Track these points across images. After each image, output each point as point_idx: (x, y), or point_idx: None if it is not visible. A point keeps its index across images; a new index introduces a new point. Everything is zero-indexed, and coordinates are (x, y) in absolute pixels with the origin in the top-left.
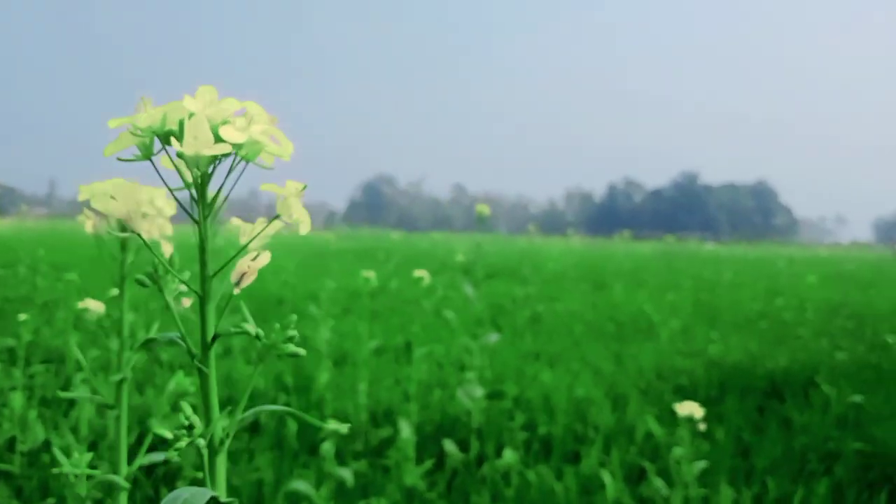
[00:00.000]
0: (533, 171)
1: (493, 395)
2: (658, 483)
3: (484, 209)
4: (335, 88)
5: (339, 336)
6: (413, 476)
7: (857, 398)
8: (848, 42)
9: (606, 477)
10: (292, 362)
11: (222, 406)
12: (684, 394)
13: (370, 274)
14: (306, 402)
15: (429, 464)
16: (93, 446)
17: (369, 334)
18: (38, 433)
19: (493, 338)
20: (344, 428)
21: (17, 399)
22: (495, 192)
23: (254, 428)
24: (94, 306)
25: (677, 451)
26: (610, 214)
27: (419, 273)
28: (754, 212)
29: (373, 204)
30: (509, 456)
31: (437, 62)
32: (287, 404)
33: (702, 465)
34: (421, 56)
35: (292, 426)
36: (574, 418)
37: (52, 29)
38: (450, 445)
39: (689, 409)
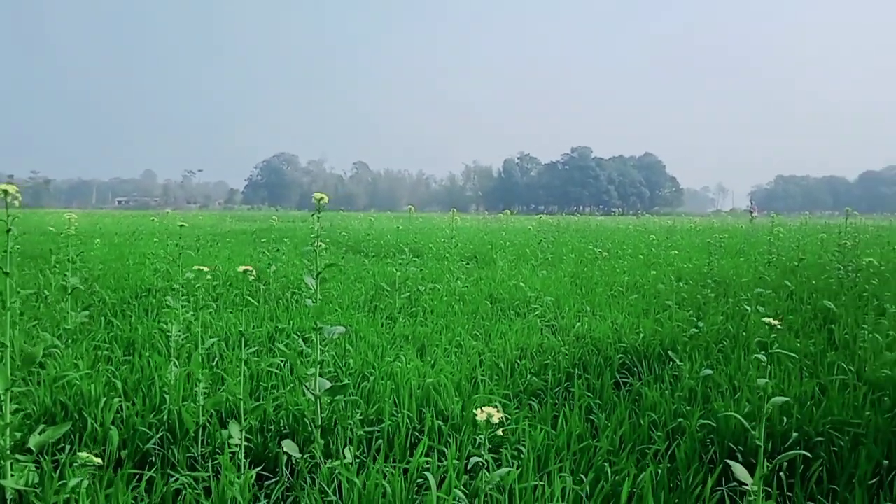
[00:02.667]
0: (435, 148)
1: (336, 390)
2: (488, 477)
3: (322, 197)
4: (241, 68)
5: (202, 329)
6: (235, 489)
7: (708, 371)
8: (727, 27)
9: (430, 478)
10: (135, 366)
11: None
12: (544, 372)
13: (204, 268)
14: (144, 406)
15: (251, 474)
16: None
17: (232, 326)
18: None
19: (336, 331)
20: (95, 460)
21: None
22: (397, 169)
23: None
24: None
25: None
26: (507, 189)
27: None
28: (642, 184)
29: (273, 183)
30: (349, 455)
31: (338, 42)
32: (120, 410)
33: (504, 471)
34: (323, 35)
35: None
36: (424, 407)
37: None
38: (290, 446)
39: (487, 413)
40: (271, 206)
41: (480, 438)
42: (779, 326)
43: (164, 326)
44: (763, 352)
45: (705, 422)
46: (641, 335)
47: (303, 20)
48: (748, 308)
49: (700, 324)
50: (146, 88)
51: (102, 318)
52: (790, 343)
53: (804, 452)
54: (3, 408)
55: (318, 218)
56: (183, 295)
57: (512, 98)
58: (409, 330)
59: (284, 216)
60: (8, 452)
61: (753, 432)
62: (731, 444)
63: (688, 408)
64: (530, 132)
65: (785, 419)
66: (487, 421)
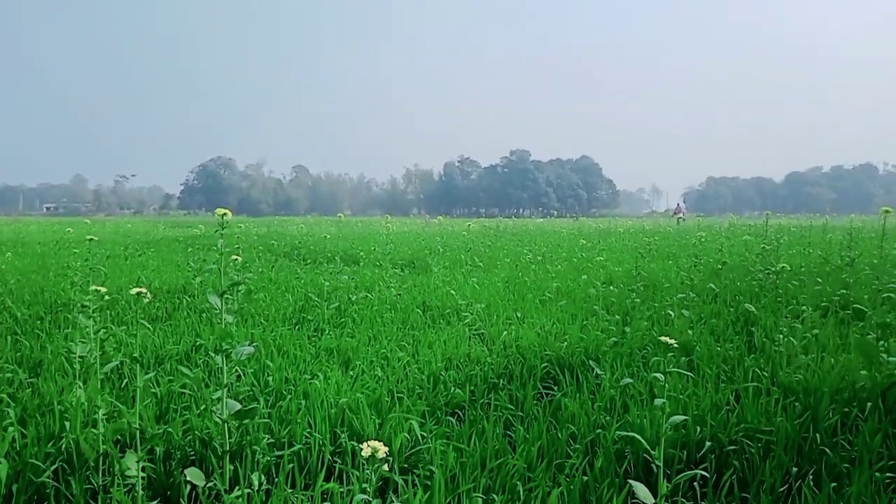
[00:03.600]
0: (374, 152)
1: (244, 414)
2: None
3: (225, 213)
4: (176, 69)
5: (114, 347)
6: None
7: (628, 380)
8: (654, 35)
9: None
10: (34, 388)
11: None
12: (469, 384)
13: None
14: (39, 433)
15: None
16: None
17: (149, 343)
18: None
19: (245, 351)
20: None
21: None
22: (338, 172)
23: None
24: None
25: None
26: (448, 192)
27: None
28: (580, 186)
29: (210, 187)
30: (255, 482)
31: (277, 45)
32: (15, 438)
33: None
34: (263, 38)
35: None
36: (339, 428)
37: None
38: (195, 474)
39: (371, 448)
40: (208, 211)
41: (371, 472)
42: (675, 345)
43: (71, 345)
44: (660, 371)
45: (623, 433)
46: (566, 343)
47: (243, 21)
48: (671, 313)
49: (627, 329)
50: (75, 91)
51: (9, 337)
52: (711, 347)
53: (701, 472)
54: None
55: (222, 235)
56: (95, 311)
57: (451, 101)
58: (335, 342)
59: (219, 222)
60: None
61: (653, 452)
62: (646, 456)
63: (607, 418)
64: (470, 136)
65: (699, 428)
66: (373, 456)
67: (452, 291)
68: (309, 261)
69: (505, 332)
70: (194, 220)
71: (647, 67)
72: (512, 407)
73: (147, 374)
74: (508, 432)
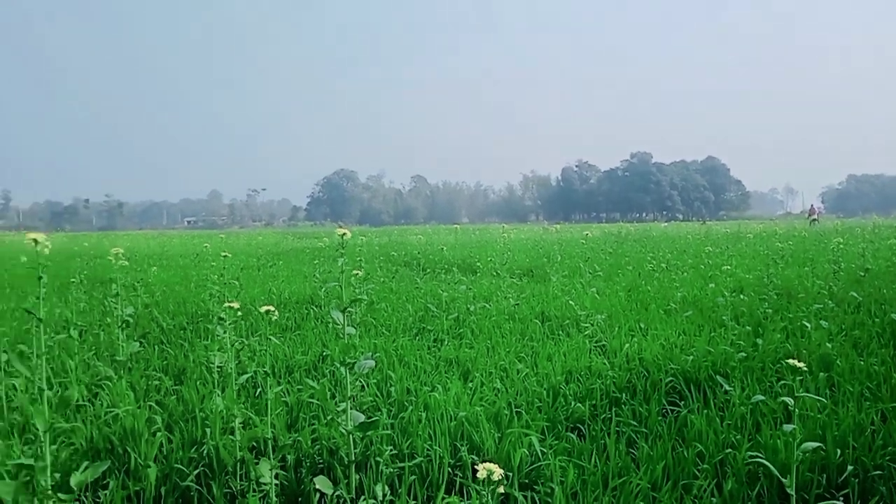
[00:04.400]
0: (490, 160)
1: (367, 426)
2: None
3: (344, 233)
4: (299, 89)
5: (248, 357)
6: None
7: (760, 397)
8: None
9: None
10: (179, 395)
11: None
12: (590, 398)
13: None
14: (183, 439)
15: None
16: None
17: (280, 353)
18: None
19: (367, 364)
20: None
21: None
22: (455, 181)
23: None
24: None
25: None
26: (566, 198)
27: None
28: (706, 188)
29: (334, 199)
30: (379, 493)
31: (393, 56)
32: (163, 444)
33: None
34: (379, 52)
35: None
36: (459, 441)
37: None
38: (323, 483)
39: (486, 470)
40: (333, 221)
41: (487, 494)
42: (803, 368)
43: (211, 355)
44: (791, 395)
45: (753, 458)
46: (692, 356)
47: (355, 41)
48: (808, 324)
49: (759, 341)
50: (213, 113)
51: (157, 346)
52: (853, 362)
53: (841, 500)
54: (44, 448)
55: (342, 255)
56: (231, 323)
57: (568, 106)
58: (454, 353)
59: (338, 242)
60: (49, 492)
61: (785, 480)
62: (781, 479)
63: (737, 437)
64: (588, 140)
65: (840, 450)
66: (488, 478)
67: (572, 302)
68: (427, 270)
69: (627, 345)
70: (319, 230)
71: (774, 59)
72: (635, 423)
73: (278, 383)
74: (631, 450)
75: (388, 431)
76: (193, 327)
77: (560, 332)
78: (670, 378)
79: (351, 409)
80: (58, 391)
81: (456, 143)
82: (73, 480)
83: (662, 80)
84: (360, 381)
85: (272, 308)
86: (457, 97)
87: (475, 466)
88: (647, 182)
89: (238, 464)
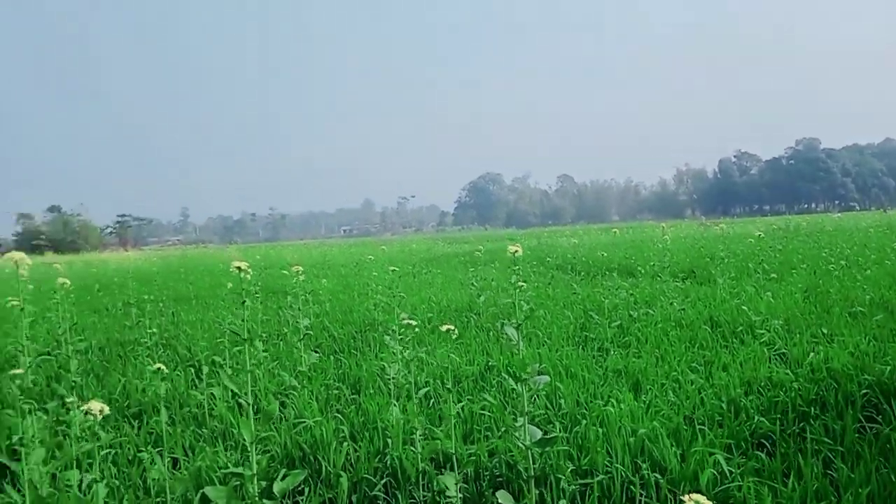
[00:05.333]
0: (639, 154)
1: (546, 442)
2: None
3: (516, 249)
4: (442, 95)
5: (416, 367)
6: None
7: None
8: None
9: None
10: (361, 406)
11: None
12: (774, 411)
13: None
14: (370, 449)
15: None
16: None
17: (447, 362)
18: None
19: (542, 380)
20: None
21: None
22: (603, 179)
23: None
24: None
25: None
26: (725, 191)
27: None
28: (884, 173)
29: (480, 203)
30: None
31: (535, 55)
32: (349, 453)
33: None
34: (527, 52)
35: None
36: (639, 458)
37: (169, 67)
38: (505, 497)
39: (693, 501)
40: (480, 225)
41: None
42: None
43: (384, 365)
44: None
45: None
46: (889, 366)
47: (499, 42)
48: None
49: None
50: (360, 126)
51: (332, 357)
52: None
53: None
54: (251, 458)
55: (517, 271)
56: (400, 334)
57: (720, 94)
58: (621, 363)
59: (492, 235)
60: (257, 499)
61: None
62: None
63: None
64: (746, 129)
65: None
66: None
67: (744, 306)
68: (582, 273)
69: (812, 353)
70: (467, 235)
71: None
72: (829, 440)
73: (449, 392)
74: (829, 471)
75: (566, 447)
76: (362, 337)
77: (733, 340)
78: (865, 391)
79: (528, 424)
80: (255, 403)
81: (602, 141)
82: (276, 488)
83: (832, 62)
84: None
85: (452, 327)
86: (603, 90)
87: (682, 498)
88: (816, 170)
89: (420, 475)
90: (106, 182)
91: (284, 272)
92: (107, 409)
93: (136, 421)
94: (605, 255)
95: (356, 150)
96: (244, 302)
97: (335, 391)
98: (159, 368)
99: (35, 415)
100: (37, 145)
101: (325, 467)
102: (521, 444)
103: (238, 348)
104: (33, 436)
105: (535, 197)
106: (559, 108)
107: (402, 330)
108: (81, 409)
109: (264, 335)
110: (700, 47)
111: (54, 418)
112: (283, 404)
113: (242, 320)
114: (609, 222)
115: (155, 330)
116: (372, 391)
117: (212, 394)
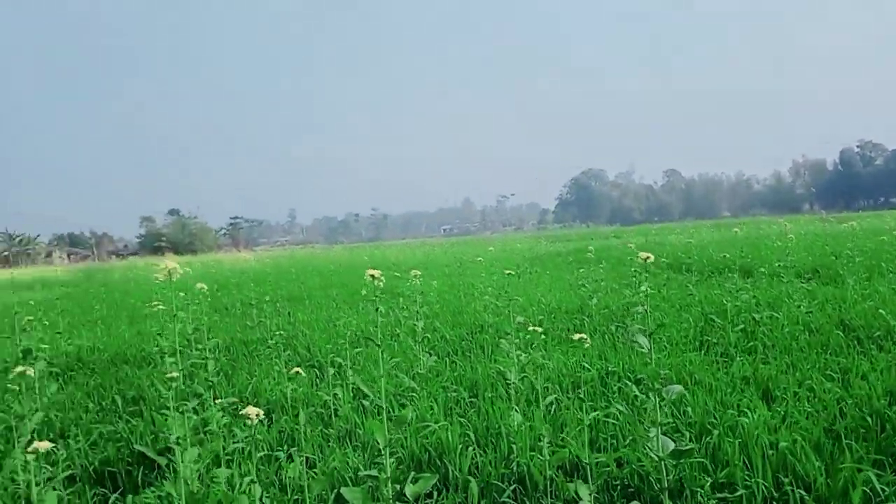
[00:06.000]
0: (751, 147)
1: (680, 454)
2: None
3: (648, 255)
4: (540, 93)
5: (533, 370)
6: None
7: None
8: None
9: None
10: (481, 410)
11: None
12: None
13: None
14: (495, 454)
15: None
16: None
17: (562, 366)
18: None
19: (674, 390)
20: None
21: None
22: (713, 173)
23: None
24: None
25: None
26: (847, 183)
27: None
28: None
29: (582, 199)
30: None
31: (648, 45)
32: (475, 458)
33: None
34: (636, 41)
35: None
36: (780, 472)
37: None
38: None
39: None
40: (582, 223)
41: None
42: None
43: (501, 369)
44: None
45: None
46: None
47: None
48: None
49: None
50: (462, 127)
51: (447, 358)
52: None
53: None
54: (384, 460)
55: (646, 278)
56: (516, 338)
57: (842, 79)
58: (748, 370)
59: (596, 233)
60: (390, 501)
61: None
62: None
63: None
64: (869, 117)
65: None
66: None
67: (881, 310)
68: (697, 273)
69: None
70: (569, 232)
71: None
72: None
73: (569, 398)
74: None
75: (701, 459)
76: (472, 338)
77: (870, 345)
78: None
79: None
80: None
81: (710, 133)
82: (409, 491)
83: None
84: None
85: (584, 336)
86: (709, 79)
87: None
88: None
89: (548, 483)
90: (219, 186)
91: (396, 274)
92: (261, 413)
93: (267, 420)
94: (726, 255)
95: (456, 150)
96: (377, 309)
97: (453, 394)
98: (297, 372)
99: (185, 415)
100: (162, 151)
101: (452, 471)
102: (653, 455)
103: (358, 350)
104: (185, 436)
105: (640, 192)
106: (664, 101)
107: (519, 333)
108: (240, 412)
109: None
110: (817, 31)
111: (199, 418)
112: (402, 406)
113: (376, 326)
114: (719, 218)
115: (280, 331)
116: (490, 395)
117: (335, 394)
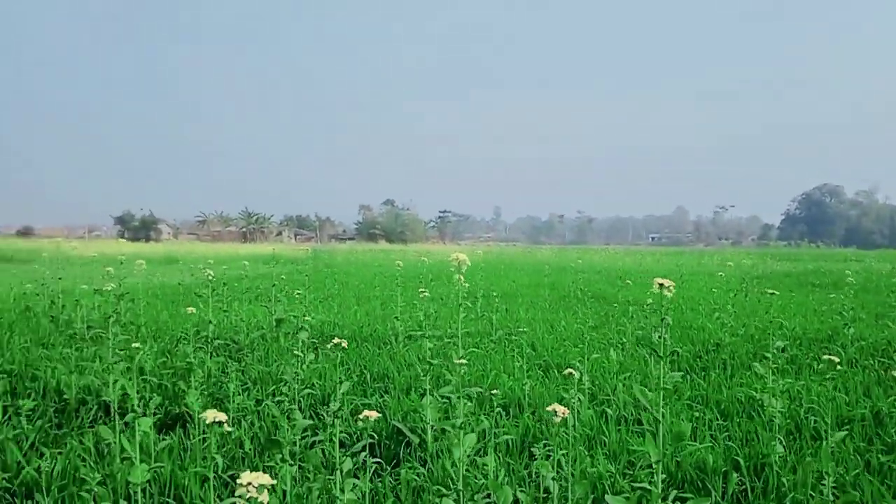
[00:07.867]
0: None
1: None
2: None
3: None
4: (764, 99)
5: (791, 400)
6: None
7: None
8: None
9: None
10: (743, 434)
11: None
12: None
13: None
14: (760, 484)
15: None
16: None
17: (821, 399)
18: None
19: None
20: None
21: None
22: None
23: None
24: None
25: None
26: None
27: None
28: None
29: (813, 217)
30: None
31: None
32: (739, 485)
33: None
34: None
35: None
36: None
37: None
38: None
39: None
40: (811, 241)
41: None
42: None
43: (754, 394)
44: None
45: None
46: None
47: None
48: None
49: None
50: (675, 129)
51: (686, 374)
52: None
53: None
54: (656, 476)
55: None
56: (774, 363)
57: None
58: None
59: (828, 254)
60: None
61: None
62: None
63: None
64: None
65: None
66: None
67: None
68: None
69: None
70: (798, 251)
71: None
72: None
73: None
74: None
75: None
76: (708, 357)
77: None
78: None
79: None
80: (619, 413)
81: None
82: None
83: None
84: None
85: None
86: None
87: None
88: None
89: None
90: (428, 179)
91: (628, 282)
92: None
93: (506, 414)
94: None
95: (669, 152)
96: (663, 319)
97: (697, 412)
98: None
99: (462, 400)
100: (377, 143)
101: (715, 496)
102: None
103: (596, 356)
104: (462, 422)
105: (884, 213)
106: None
107: (774, 356)
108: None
109: (603, 343)
110: None
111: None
112: (640, 420)
113: (660, 337)
114: None
115: (501, 328)
116: (739, 419)
117: (579, 398)
